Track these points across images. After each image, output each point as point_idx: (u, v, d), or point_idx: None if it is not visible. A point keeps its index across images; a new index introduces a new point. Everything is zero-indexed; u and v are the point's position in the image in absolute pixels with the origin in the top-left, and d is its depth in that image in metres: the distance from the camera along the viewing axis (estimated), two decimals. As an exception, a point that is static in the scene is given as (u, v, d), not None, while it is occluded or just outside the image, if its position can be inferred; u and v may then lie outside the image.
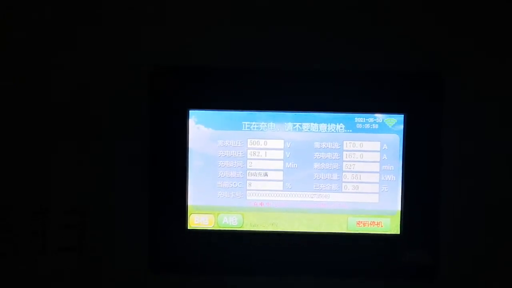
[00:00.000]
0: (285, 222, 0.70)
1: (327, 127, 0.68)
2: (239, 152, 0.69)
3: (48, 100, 0.69)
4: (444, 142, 0.68)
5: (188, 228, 0.70)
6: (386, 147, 0.68)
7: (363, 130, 0.68)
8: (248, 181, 0.69)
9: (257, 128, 0.69)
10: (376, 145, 0.68)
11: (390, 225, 0.69)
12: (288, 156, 0.69)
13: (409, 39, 0.68)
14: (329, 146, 0.69)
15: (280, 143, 0.69)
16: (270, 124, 0.69)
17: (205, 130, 0.69)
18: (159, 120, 0.69)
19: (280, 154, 0.69)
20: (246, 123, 0.69)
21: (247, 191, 0.70)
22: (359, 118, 0.68)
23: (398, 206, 0.69)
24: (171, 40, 0.69)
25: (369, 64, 0.68)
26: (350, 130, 0.68)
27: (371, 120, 0.68)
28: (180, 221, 0.70)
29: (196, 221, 0.70)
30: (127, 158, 0.70)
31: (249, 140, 0.69)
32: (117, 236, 0.71)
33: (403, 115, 0.68)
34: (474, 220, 0.70)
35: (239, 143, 0.69)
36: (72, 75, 0.69)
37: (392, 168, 0.68)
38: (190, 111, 0.69)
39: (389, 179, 0.69)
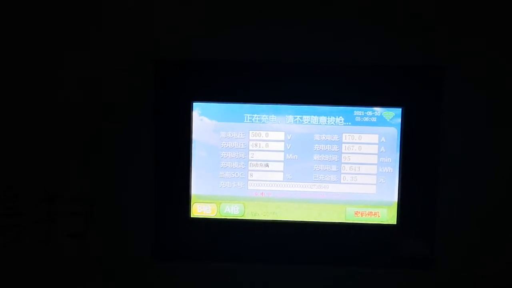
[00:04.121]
0: (285, 211, 0.71)
1: (327, 120, 0.70)
2: (241, 143, 0.71)
3: (57, 93, 0.71)
4: (441, 135, 0.69)
5: (191, 216, 0.72)
6: (384, 140, 0.70)
7: (361, 123, 0.70)
8: (249, 172, 0.71)
9: (258, 120, 0.70)
10: (374, 138, 0.70)
11: (387, 215, 0.71)
12: (288, 147, 0.71)
13: (408, 33, 0.69)
14: (329, 138, 0.70)
15: (281, 135, 0.71)
16: (271, 117, 0.70)
17: (208, 122, 0.71)
18: (163, 112, 0.70)
19: (281, 146, 0.71)
20: (248, 115, 0.70)
21: (249, 181, 0.71)
22: (358, 111, 0.70)
23: (395, 197, 0.70)
24: (175, 34, 0.70)
25: (368, 58, 0.69)
26: (349, 123, 0.70)
27: (369, 113, 0.69)
28: (183, 210, 0.72)
29: (199, 210, 0.72)
30: (132, 149, 0.71)
31: (251, 132, 0.71)
32: (121, 224, 0.73)
33: (401, 109, 0.69)
34: (471, 211, 0.71)
35: (241, 134, 0.71)
36: (79, 70, 0.70)
37: (390, 160, 0.70)
38: (194, 104, 0.70)
39: (387, 171, 0.70)
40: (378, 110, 0.69)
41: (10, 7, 0.70)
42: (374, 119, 0.69)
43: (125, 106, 0.71)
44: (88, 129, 0.71)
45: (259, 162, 0.71)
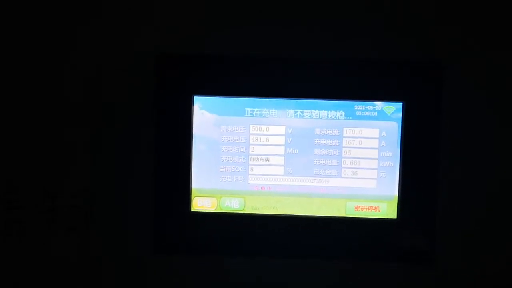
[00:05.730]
0: (286, 206, 0.71)
1: (328, 114, 0.70)
2: (241, 137, 0.71)
3: (59, 89, 0.71)
4: (442, 130, 0.69)
5: (192, 210, 0.72)
6: (384, 134, 0.70)
7: (362, 118, 0.70)
8: (250, 166, 0.71)
9: (259, 114, 0.71)
10: (375, 132, 0.70)
11: (387, 210, 0.71)
12: (289, 142, 0.71)
13: (409, 28, 0.69)
14: (329, 132, 0.70)
15: (281, 129, 0.71)
16: (272, 111, 0.70)
17: (209, 116, 0.71)
18: (164, 106, 0.71)
19: (281, 140, 0.71)
20: (249, 109, 0.71)
21: (249, 176, 0.71)
22: (359, 106, 0.70)
23: (395, 192, 0.70)
24: (176, 28, 0.70)
25: (369, 52, 0.69)
26: (350, 117, 0.70)
27: (370, 107, 0.70)
28: (183, 204, 0.71)
29: (199, 204, 0.72)
30: (133, 143, 0.71)
31: (251, 126, 0.71)
32: (122, 219, 0.72)
33: (402, 103, 0.69)
34: (471, 206, 0.71)
35: (242, 128, 0.71)
36: (81, 65, 0.70)
37: (390, 155, 0.70)
38: (194, 97, 0.70)
39: (387, 165, 0.70)
40: (379, 104, 0.70)
41: (10, 7, 0.70)
42: (375, 114, 0.70)
43: (127, 101, 0.71)
44: (90, 124, 0.71)
45: (259, 156, 0.71)
